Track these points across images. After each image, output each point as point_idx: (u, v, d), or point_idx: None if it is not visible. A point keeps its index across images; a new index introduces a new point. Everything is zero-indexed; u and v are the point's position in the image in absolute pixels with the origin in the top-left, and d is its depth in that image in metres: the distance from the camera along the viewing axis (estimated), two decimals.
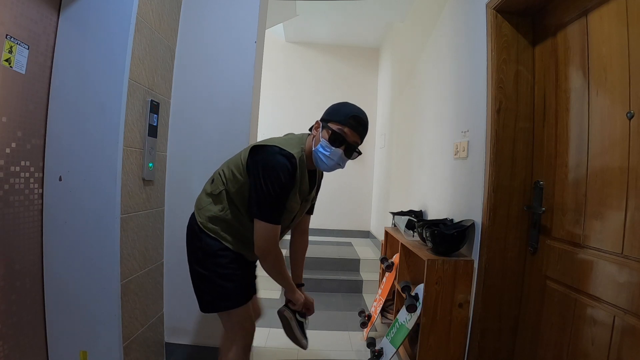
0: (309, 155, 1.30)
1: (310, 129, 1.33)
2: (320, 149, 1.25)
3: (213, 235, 1.28)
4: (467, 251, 1.72)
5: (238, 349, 1.32)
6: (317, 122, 1.29)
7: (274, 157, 1.19)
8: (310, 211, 1.54)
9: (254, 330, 1.38)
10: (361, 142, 1.29)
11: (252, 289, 1.40)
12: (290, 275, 1.50)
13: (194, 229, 1.33)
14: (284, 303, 1.52)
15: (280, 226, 1.25)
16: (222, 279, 1.28)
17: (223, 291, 1.28)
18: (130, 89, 1.45)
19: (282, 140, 1.28)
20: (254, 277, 1.45)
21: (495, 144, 1.54)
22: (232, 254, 1.29)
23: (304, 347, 1.51)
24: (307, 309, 1.54)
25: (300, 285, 1.55)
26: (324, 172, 1.43)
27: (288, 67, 4.68)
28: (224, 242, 1.28)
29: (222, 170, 1.34)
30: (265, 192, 1.18)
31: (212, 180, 1.37)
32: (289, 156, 1.20)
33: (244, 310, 1.32)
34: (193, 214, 1.37)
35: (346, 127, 1.23)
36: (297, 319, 1.51)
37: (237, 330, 1.33)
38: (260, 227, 1.21)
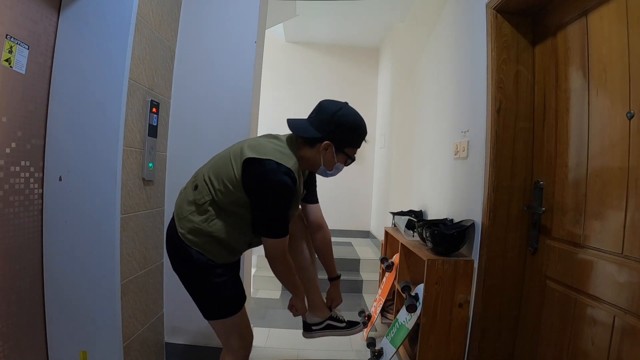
0: (305, 160, 1.26)
1: (308, 139, 1.24)
2: (330, 170, 1.28)
3: (196, 249, 1.21)
4: (467, 251, 1.72)
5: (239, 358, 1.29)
6: (326, 143, 1.22)
7: (275, 176, 1.13)
8: (315, 200, 1.51)
9: (252, 339, 1.34)
10: None
11: (244, 293, 1.34)
12: (326, 271, 1.56)
13: (174, 240, 1.24)
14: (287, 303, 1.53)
15: (288, 236, 1.23)
16: (213, 289, 1.24)
17: (215, 301, 1.25)
18: (130, 89, 1.45)
19: (276, 152, 1.18)
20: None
21: (495, 144, 1.54)
22: (218, 264, 1.24)
23: (360, 329, 1.61)
24: (332, 301, 1.60)
25: (336, 278, 1.57)
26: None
27: (288, 67, 4.68)
28: (207, 255, 1.21)
29: (210, 178, 1.22)
30: (271, 211, 1.17)
31: (196, 187, 1.24)
32: (288, 172, 1.14)
33: (241, 318, 1.28)
34: (173, 220, 1.27)
35: (356, 147, 1.28)
36: (331, 325, 1.58)
37: (234, 340, 1.28)
38: (270, 244, 1.21)
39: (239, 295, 1.29)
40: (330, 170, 1.28)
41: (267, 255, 1.23)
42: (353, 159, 1.30)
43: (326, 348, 2.19)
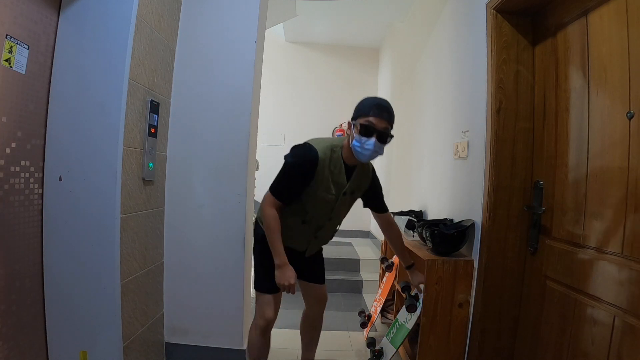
0: (348, 152, 1.42)
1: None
2: (355, 143, 1.36)
3: (260, 225, 1.52)
4: (467, 251, 1.72)
5: (256, 328, 1.56)
6: (348, 123, 1.42)
7: (300, 150, 1.41)
8: (381, 209, 1.70)
9: (271, 318, 1.54)
10: (391, 127, 1.39)
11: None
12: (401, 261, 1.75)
13: (255, 222, 1.60)
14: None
15: (279, 203, 1.42)
16: (258, 263, 1.57)
17: (256, 274, 1.57)
18: (130, 89, 1.45)
19: (316, 139, 1.46)
20: (303, 266, 1.61)
21: (495, 144, 1.54)
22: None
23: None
24: (416, 284, 1.71)
25: (411, 266, 1.72)
26: (371, 169, 1.58)
27: (288, 67, 4.68)
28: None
29: None
30: (282, 173, 1.42)
31: None
32: (309, 149, 1.39)
33: (268, 297, 1.52)
34: None
35: (371, 116, 1.34)
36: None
37: (257, 311, 1.55)
38: (267, 196, 1.45)
39: (270, 278, 1.48)
40: (356, 143, 1.36)
41: (261, 207, 1.47)
42: (363, 126, 1.33)
43: (326, 348, 2.19)
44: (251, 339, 1.60)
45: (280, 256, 1.44)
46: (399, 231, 1.75)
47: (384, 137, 1.35)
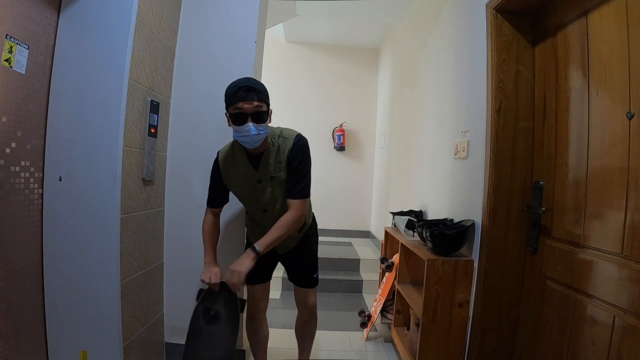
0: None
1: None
2: (235, 135, 1.36)
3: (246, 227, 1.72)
4: (467, 251, 1.72)
5: (247, 316, 1.70)
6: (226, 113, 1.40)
7: None
8: (289, 195, 1.42)
9: (256, 306, 1.66)
10: (266, 103, 1.36)
11: (261, 276, 1.62)
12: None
13: None
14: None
15: (211, 208, 1.55)
16: None
17: None
18: (130, 89, 1.45)
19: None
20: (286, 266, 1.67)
21: (495, 144, 1.54)
22: (248, 240, 1.66)
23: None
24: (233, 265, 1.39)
25: (251, 247, 1.38)
26: (290, 147, 1.41)
27: (288, 67, 4.68)
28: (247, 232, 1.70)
29: None
30: None
31: None
32: (217, 156, 1.50)
33: (249, 289, 1.65)
34: None
35: (232, 104, 1.31)
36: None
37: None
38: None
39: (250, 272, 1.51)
40: (235, 134, 1.36)
41: None
42: (233, 115, 1.32)
43: (326, 348, 2.19)
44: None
45: (206, 255, 1.50)
46: (285, 221, 1.40)
47: (259, 116, 1.30)
